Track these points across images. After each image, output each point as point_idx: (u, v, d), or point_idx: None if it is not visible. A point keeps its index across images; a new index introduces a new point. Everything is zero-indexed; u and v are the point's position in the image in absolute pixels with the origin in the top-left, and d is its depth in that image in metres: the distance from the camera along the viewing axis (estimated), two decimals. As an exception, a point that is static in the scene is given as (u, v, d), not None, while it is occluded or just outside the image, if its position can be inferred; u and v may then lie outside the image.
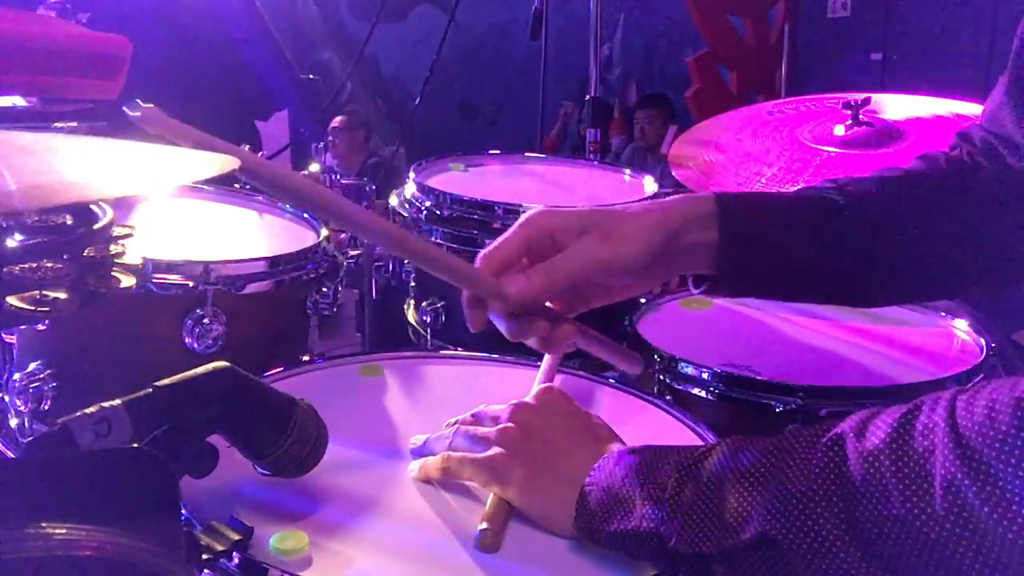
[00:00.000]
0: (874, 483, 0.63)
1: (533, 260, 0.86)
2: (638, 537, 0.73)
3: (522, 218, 0.88)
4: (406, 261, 1.57)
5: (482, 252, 0.87)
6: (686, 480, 0.73)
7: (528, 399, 0.90)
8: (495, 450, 0.83)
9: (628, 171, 1.70)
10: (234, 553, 0.71)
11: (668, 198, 0.90)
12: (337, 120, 5.06)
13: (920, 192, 0.93)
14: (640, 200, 1.45)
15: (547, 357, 1.07)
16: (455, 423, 0.91)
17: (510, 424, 0.85)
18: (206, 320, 1.11)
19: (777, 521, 0.66)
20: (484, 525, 0.78)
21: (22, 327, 1.13)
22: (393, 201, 1.50)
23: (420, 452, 0.91)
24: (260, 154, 1.58)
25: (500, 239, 0.87)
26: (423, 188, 1.45)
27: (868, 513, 0.63)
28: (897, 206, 0.92)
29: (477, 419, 0.90)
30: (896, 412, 0.66)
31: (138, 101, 0.66)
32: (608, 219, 0.86)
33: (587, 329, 0.92)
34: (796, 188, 0.97)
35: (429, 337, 1.41)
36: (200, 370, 0.73)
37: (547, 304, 0.90)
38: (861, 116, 1.49)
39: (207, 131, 0.69)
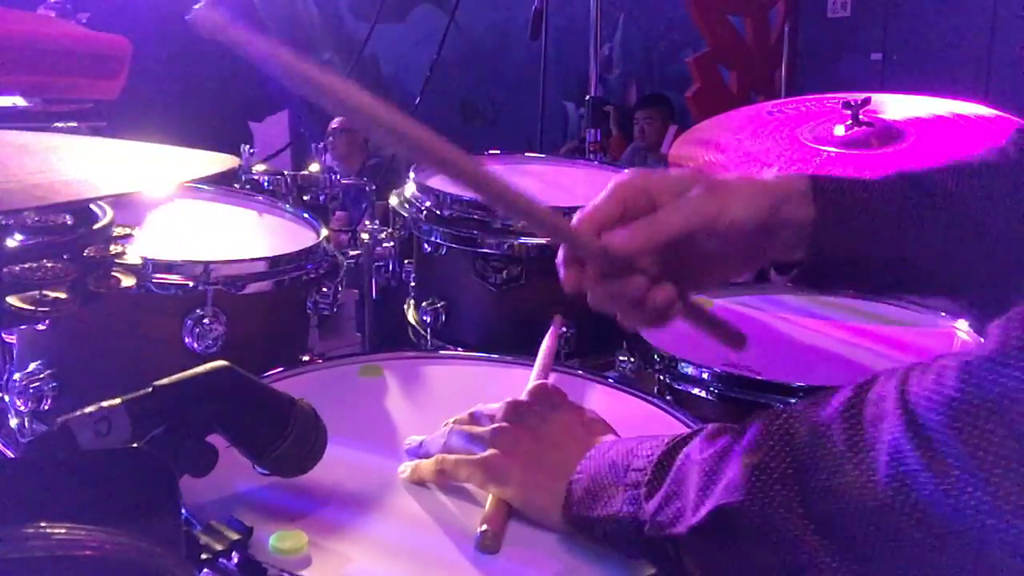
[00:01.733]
0: (825, 453, 0.62)
1: (629, 222, 0.82)
2: (618, 523, 0.74)
3: (614, 180, 0.84)
4: (405, 262, 1.57)
5: (579, 213, 0.83)
6: (663, 466, 0.73)
7: (522, 396, 0.90)
8: (490, 450, 0.83)
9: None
10: (233, 552, 0.71)
11: (765, 175, 0.86)
12: (336, 121, 5.05)
13: (1000, 181, 0.88)
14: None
15: (541, 355, 1.07)
16: (451, 423, 0.90)
17: (504, 423, 0.85)
18: (206, 320, 1.11)
19: (731, 493, 0.66)
20: (484, 526, 0.78)
21: (22, 327, 1.13)
22: (393, 201, 1.50)
23: (415, 453, 0.91)
24: (252, 152, 1.58)
25: (595, 201, 0.83)
26: (423, 188, 1.45)
27: (818, 483, 0.62)
28: (978, 194, 0.87)
29: (473, 418, 0.90)
30: (851, 386, 0.65)
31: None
32: (711, 180, 0.82)
33: (689, 298, 0.86)
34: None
35: (429, 337, 1.41)
36: (200, 370, 0.73)
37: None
38: (861, 116, 1.49)
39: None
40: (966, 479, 0.54)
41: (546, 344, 1.09)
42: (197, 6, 0.60)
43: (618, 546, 0.76)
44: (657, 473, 0.73)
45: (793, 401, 1.11)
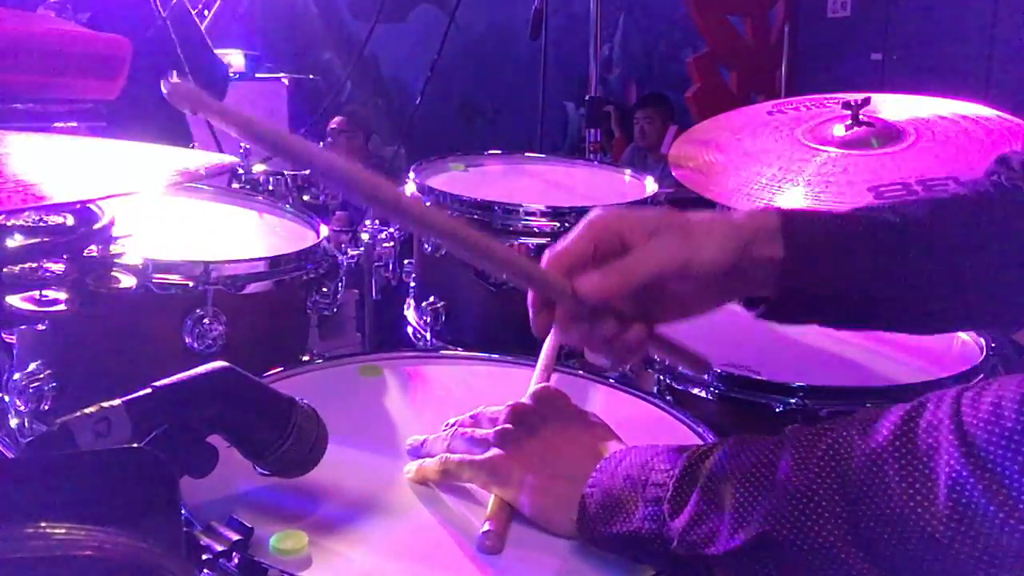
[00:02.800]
0: (876, 481, 0.62)
1: (600, 262, 0.82)
2: (639, 539, 0.73)
3: (586, 218, 0.84)
4: (405, 262, 1.57)
5: (548, 252, 0.83)
6: (686, 481, 0.73)
7: (525, 399, 0.89)
8: (493, 451, 0.83)
9: (628, 171, 1.70)
10: (234, 553, 0.71)
11: (737, 212, 0.87)
12: (335, 121, 5.04)
13: (973, 215, 0.89)
14: (641, 200, 1.46)
15: (543, 356, 1.07)
16: (453, 424, 0.90)
17: (508, 425, 0.85)
18: (206, 320, 1.11)
19: (778, 521, 0.66)
20: (486, 527, 0.78)
21: (22, 327, 1.13)
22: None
23: (417, 453, 0.91)
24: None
25: (566, 240, 0.83)
26: (423, 188, 1.45)
27: (870, 512, 0.62)
28: (952, 227, 0.87)
29: (475, 420, 0.90)
30: (900, 410, 0.65)
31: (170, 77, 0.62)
32: (682, 221, 0.83)
33: (656, 330, 0.88)
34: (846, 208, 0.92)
35: (429, 337, 1.41)
36: (200, 370, 0.73)
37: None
38: (861, 116, 1.49)
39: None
40: None
41: (547, 344, 1.09)
42: (172, 79, 0.61)
43: (640, 560, 0.75)
44: (680, 489, 0.72)
45: (793, 401, 1.11)
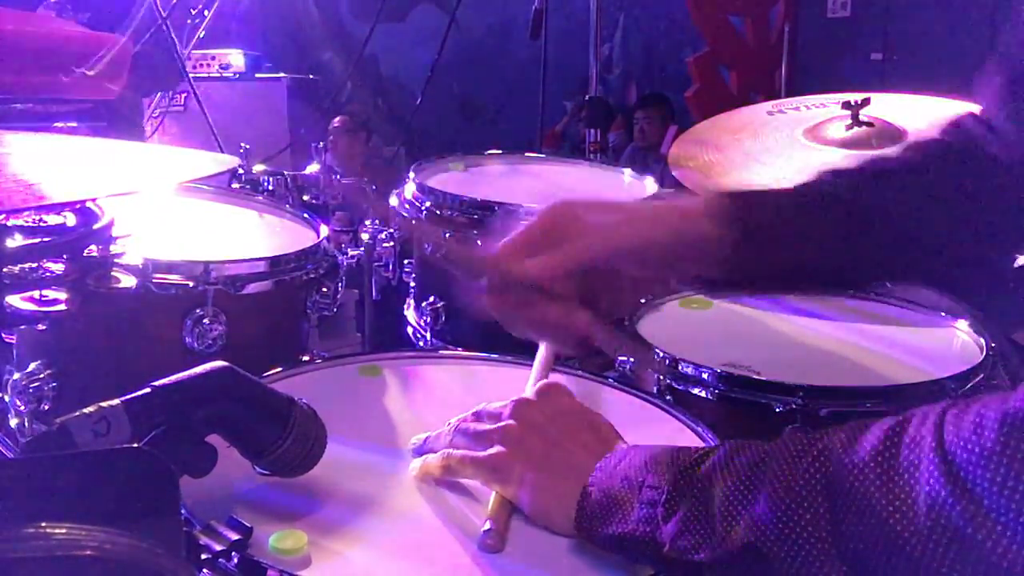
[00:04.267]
0: (860, 496, 0.62)
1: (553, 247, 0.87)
2: (634, 541, 0.73)
3: (541, 211, 0.90)
4: (405, 262, 1.57)
5: (503, 240, 0.88)
6: (681, 485, 0.72)
7: (528, 395, 0.89)
8: (496, 448, 0.83)
9: (628, 171, 1.70)
10: (233, 553, 0.71)
11: (681, 197, 0.93)
12: (338, 120, 5.04)
13: (907, 177, 0.95)
14: (637, 199, 1.45)
15: (540, 354, 1.07)
16: (455, 421, 0.90)
17: (511, 421, 0.85)
18: (206, 320, 1.11)
19: (762, 532, 0.66)
20: (488, 525, 0.78)
21: (22, 327, 1.13)
22: (393, 201, 1.50)
23: (420, 451, 0.91)
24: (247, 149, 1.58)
25: (516, 230, 0.88)
26: (423, 188, 1.45)
27: (854, 527, 0.62)
28: (885, 189, 0.94)
29: (477, 417, 0.89)
30: (886, 424, 0.65)
31: None
32: (626, 207, 0.90)
33: (599, 321, 0.92)
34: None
35: (429, 337, 1.41)
36: (199, 370, 0.73)
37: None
38: (861, 116, 1.49)
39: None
40: (1011, 533, 0.55)
41: (544, 344, 1.09)
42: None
43: (635, 561, 0.75)
44: (675, 492, 0.72)
45: (793, 401, 1.11)
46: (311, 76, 6.01)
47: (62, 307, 0.70)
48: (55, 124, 1.71)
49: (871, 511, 0.61)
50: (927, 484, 0.59)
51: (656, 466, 0.75)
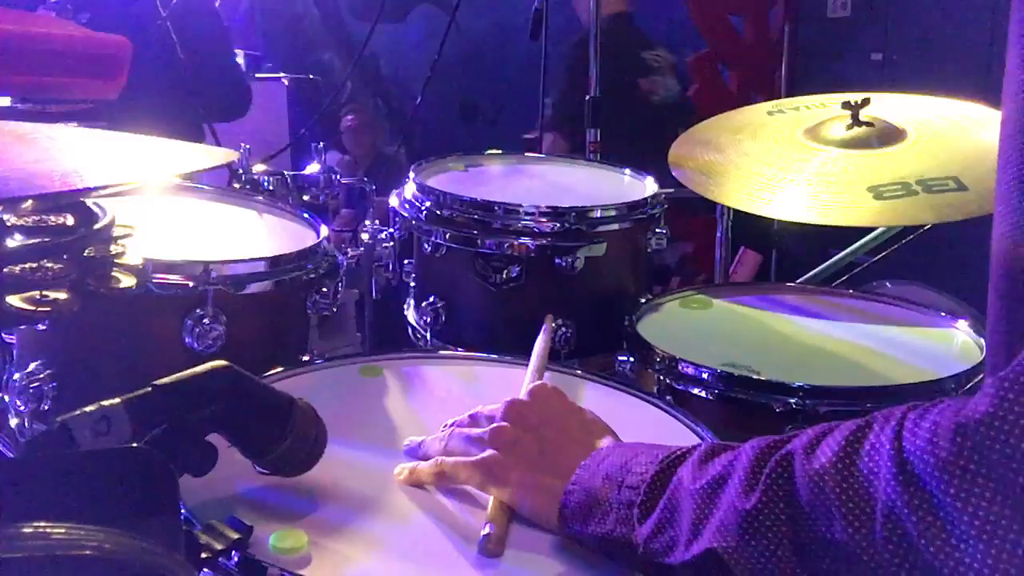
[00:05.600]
0: (819, 505, 0.61)
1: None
2: (612, 541, 0.73)
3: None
4: (405, 262, 1.57)
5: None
6: (657, 487, 0.72)
7: (522, 396, 0.89)
8: (489, 451, 0.83)
9: (628, 171, 1.70)
10: (233, 552, 0.71)
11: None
12: (350, 118, 5.13)
13: None
14: (641, 200, 1.45)
15: (536, 353, 1.07)
16: (451, 425, 0.90)
17: (504, 423, 0.85)
18: (206, 320, 1.10)
19: (724, 538, 0.65)
20: (487, 529, 0.78)
21: (22, 327, 1.13)
22: (393, 201, 1.50)
23: (414, 453, 0.90)
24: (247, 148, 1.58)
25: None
26: (423, 188, 1.45)
27: (813, 535, 0.61)
28: None
29: (473, 420, 0.90)
30: (847, 429, 0.64)
31: None
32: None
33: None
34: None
35: (429, 337, 1.41)
36: (200, 370, 0.73)
37: None
38: (861, 116, 1.49)
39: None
40: (964, 545, 0.53)
41: (539, 343, 1.09)
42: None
43: (616, 560, 0.75)
44: (651, 494, 0.72)
45: (793, 401, 1.11)
46: (311, 76, 6.00)
47: (62, 307, 0.70)
48: (55, 124, 1.71)
49: (830, 520, 0.60)
50: (883, 493, 0.58)
51: (635, 467, 0.75)
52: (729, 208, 2.04)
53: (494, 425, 0.85)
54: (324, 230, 1.33)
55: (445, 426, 0.91)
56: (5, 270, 0.67)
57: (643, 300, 1.41)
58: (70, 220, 0.74)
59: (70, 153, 0.72)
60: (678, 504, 0.70)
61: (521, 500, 0.81)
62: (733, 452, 0.70)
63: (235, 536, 0.72)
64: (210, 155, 0.74)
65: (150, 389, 0.70)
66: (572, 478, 0.78)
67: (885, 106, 1.54)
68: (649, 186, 1.56)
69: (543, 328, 1.19)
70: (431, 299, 1.42)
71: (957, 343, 1.33)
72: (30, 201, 0.65)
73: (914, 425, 0.58)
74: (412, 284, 1.54)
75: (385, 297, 1.66)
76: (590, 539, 0.75)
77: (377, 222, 1.60)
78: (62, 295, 0.69)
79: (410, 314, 1.52)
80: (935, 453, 0.55)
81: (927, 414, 0.58)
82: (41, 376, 1.12)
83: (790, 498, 0.63)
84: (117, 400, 0.67)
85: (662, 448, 0.77)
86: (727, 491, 0.67)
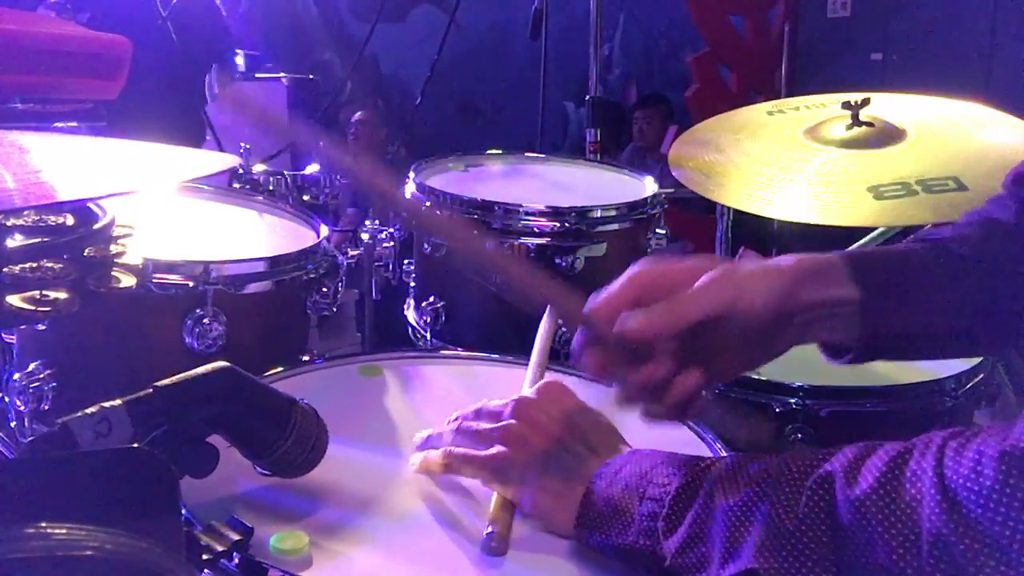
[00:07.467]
0: (861, 529, 0.62)
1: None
2: (635, 552, 0.73)
3: (630, 270, 0.84)
4: (405, 262, 1.57)
5: (592, 299, 0.83)
6: (683, 500, 0.72)
7: (530, 394, 0.89)
8: (496, 448, 0.83)
9: (628, 171, 1.70)
10: (234, 553, 0.71)
11: (785, 257, 0.85)
12: (360, 115, 5.14)
13: (1009, 244, 0.88)
14: (641, 200, 1.45)
15: (535, 353, 1.06)
16: (457, 417, 0.90)
17: (512, 420, 0.84)
18: (206, 320, 1.10)
19: (766, 559, 0.65)
20: (491, 528, 0.77)
21: (22, 327, 1.13)
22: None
23: (423, 447, 0.90)
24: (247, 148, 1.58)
25: (610, 287, 0.83)
26: (423, 188, 1.45)
27: (855, 559, 0.62)
28: (998, 257, 0.87)
29: (478, 415, 0.89)
30: (887, 454, 0.64)
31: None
32: (728, 268, 0.83)
33: (712, 385, 0.86)
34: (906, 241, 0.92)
35: (429, 337, 1.41)
36: (200, 370, 0.73)
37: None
38: (861, 116, 1.49)
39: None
40: (1012, 571, 0.55)
41: (539, 343, 1.09)
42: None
43: (630, 565, 0.75)
44: (676, 507, 0.72)
45: (793, 401, 1.11)
46: (311, 76, 6.01)
47: (62, 307, 0.70)
48: (55, 124, 1.71)
49: (872, 544, 0.61)
50: (928, 521, 0.59)
51: (657, 477, 0.75)
52: (729, 208, 2.04)
53: (502, 423, 0.85)
54: (324, 230, 1.33)
55: (451, 420, 0.90)
56: (5, 270, 0.67)
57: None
58: (70, 220, 0.74)
59: (71, 163, 0.72)
60: (708, 520, 0.70)
61: (527, 499, 0.80)
62: (762, 466, 0.70)
63: (236, 537, 0.72)
64: (210, 161, 0.74)
65: (151, 390, 0.70)
66: (592, 485, 0.78)
67: (885, 106, 1.54)
68: (649, 186, 1.56)
69: (545, 315, 1.18)
70: (431, 299, 1.42)
71: (957, 343, 1.33)
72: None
73: (956, 453, 0.59)
74: (412, 284, 1.54)
75: (385, 297, 1.66)
76: (608, 548, 0.75)
77: (377, 222, 1.60)
78: (62, 295, 0.69)
79: (410, 314, 1.52)
80: (980, 482, 0.57)
81: (968, 443, 0.59)
82: (41, 376, 1.12)
83: (831, 521, 0.64)
84: (118, 401, 0.67)
85: (681, 458, 0.77)
86: (763, 510, 0.67)
